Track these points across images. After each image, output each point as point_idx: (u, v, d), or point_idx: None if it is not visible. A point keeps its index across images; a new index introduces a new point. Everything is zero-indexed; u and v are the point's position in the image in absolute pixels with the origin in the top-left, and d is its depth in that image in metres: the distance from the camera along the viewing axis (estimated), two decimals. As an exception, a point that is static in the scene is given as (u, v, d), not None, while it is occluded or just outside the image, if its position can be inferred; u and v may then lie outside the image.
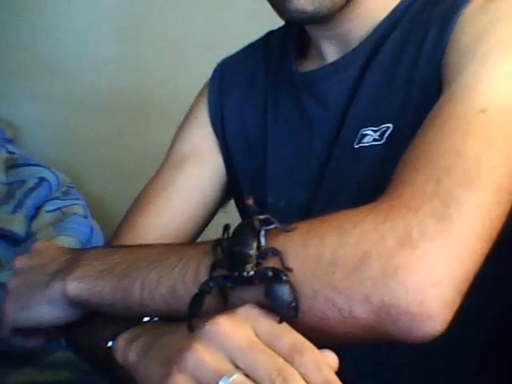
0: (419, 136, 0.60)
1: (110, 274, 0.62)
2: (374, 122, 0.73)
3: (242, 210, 0.90)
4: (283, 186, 0.80)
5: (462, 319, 0.52)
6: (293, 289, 0.51)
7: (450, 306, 0.51)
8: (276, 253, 0.53)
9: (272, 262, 0.53)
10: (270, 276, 0.52)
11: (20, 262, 0.72)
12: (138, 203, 0.86)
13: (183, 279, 0.57)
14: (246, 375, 0.49)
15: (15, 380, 1.17)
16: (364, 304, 0.51)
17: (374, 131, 0.73)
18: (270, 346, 0.50)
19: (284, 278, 0.51)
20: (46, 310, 0.66)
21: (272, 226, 0.55)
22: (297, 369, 0.49)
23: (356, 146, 0.73)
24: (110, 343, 0.60)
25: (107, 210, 1.77)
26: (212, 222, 0.90)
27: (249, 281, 0.53)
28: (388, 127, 0.72)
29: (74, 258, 0.67)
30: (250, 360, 0.49)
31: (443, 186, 0.53)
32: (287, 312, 0.51)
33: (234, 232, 0.57)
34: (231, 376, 0.49)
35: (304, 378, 0.48)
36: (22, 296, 0.68)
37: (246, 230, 0.56)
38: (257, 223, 0.55)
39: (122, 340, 0.59)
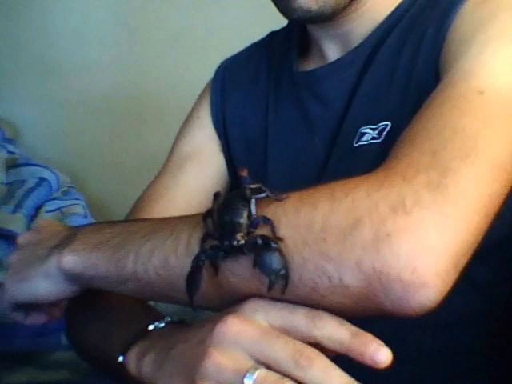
0: (417, 115, 0.60)
1: (105, 246, 0.61)
2: (373, 121, 0.73)
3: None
4: (283, 185, 0.80)
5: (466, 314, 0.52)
6: (283, 257, 0.50)
7: (443, 276, 0.49)
8: (267, 221, 0.52)
9: (264, 231, 0.52)
10: (260, 244, 0.51)
11: (23, 237, 0.73)
12: (141, 202, 0.86)
13: (175, 251, 0.56)
14: (268, 368, 0.49)
15: (15, 380, 1.17)
16: (354, 271, 0.49)
17: (373, 129, 0.73)
18: (287, 326, 0.51)
19: (273, 245, 0.50)
20: (42, 284, 0.66)
21: (263, 195, 0.54)
22: (321, 330, 0.49)
23: (355, 145, 0.73)
24: (120, 358, 0.59)
25: (107, 211, 1.77)
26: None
27: (239, 250, 0.52)
28: (386, 125, 0.72)
29: (72, 233, 0.67)
30: (268, 349, 0.50)
31: (439, 158, 0.53)
32: (276, 280, 0.50)
33: (224, 201, 0.56)
34: (254, 372, 0.49)
35: (332, 337, 0.49)
36: (21, 270, 0.68)
37: (237, 198, 0.55)
38: (248, 192, 0.55)
39: (132, 355, 0.59)
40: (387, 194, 0.50)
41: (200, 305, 0.55)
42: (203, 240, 0.55)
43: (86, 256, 0.62)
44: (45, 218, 1.47)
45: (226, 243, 0.52)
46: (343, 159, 0.75)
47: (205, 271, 0.54)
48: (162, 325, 0.61)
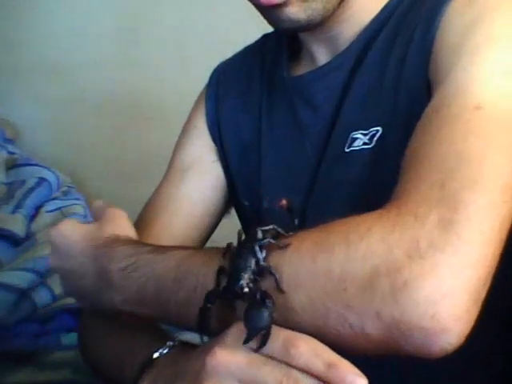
0: (417, 139, 0.59)
1: (145, 298, 0.63)
2: (364, 126, 0.72)
3: (241, 215, 0.90)
4: (277, 190, 0.80)
5: None
6: (271, 317, 0.51)
7: (464, 317, 0.49)
8: (272, 273, 0.53)
9: (270, 280, 0.53)
10: (257, 299, 0.52)
11: (55, 264, 0.74)
12: (145, 216, 0.86)
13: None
14: None
15: (15, 380, 1.17)
16: (374, 320, 0.50)
17: (364, 135, 0.72)
18: (266, 353, 0.51)
19: (268, 304, 0.51)
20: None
21: (265, 241, 0.55)
22: (297, 361, 0.49)
23: (347, 150, 0.73)
24: None
25: (107, 210, 1.77)
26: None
27: (241, 297, 0.53)
28: (377, 130, 0.71)
29: (103, 274, 0.67)
30: (257, 376, 0.50)
31: (448, 191, 0.52)
32: (254, 337, 0.51)
33: (238, 242, 0.57)
34: None
35: (307, 367, 0.49)
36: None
37: (249, 242, 0.55)
38: (259, 236, 0.55)
39: None
40: (401, 237, 0.51)
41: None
42: (217, 276, 0.56)
43: (134, 307, 0.64)
44: (45, 217, 1.47)
45: (232, 288, 0.53)
46: (335, 165, 0.75)
47: (223, 306, 0.56)
48: (166, 350, 0.62)
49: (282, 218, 0.77)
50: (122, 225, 0.72)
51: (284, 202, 0.59)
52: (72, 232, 0.72)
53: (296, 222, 0.59)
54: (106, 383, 0.75)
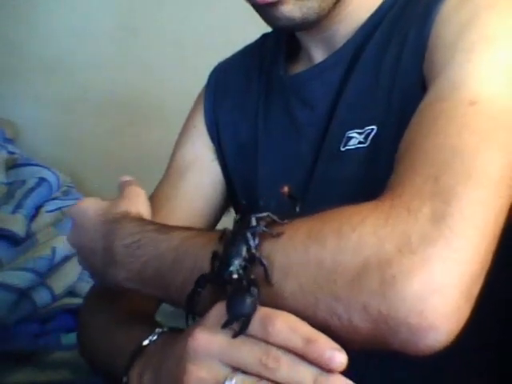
0: (412, 132, 0.59)
1: (147, 276, 0.64)
2: (359, 125, 0.72)
3: (239, 213, 0.91)
4: (273, 189, 0.80)
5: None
6: (254, 305, 0.51)
7: (454, 315, 0.49)
8: (262, 263, 0.53)
9: (260, 268, 0.53)
10: (244, 286, 0.52)
11: (71, 239, 0.75)
12: None
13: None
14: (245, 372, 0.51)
15: (15, 380, 1.17)
16: (362, 313, 0.50)
17: (359, 134, 0.72)
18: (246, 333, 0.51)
19: (252, 291, 0.51)
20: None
21: (258, 228, 0.55)
22: (275, 338, 0.50)
23: (342, 149, 0.73)
24: (124, 379, 0.63)
25: (107, 210, 1.77)
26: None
27: (229, 283, 0.53)
28: (372, 129, 0.71)
29: (109, 250, 0.67)
30: (237, 356, 0.51)
31: (442, 185, 0.52)
32: (233, 322, 0.51)
33: (233, 228, 0.57)
34: (232, 380, 0.50)
35: (286, 344, 0.49)
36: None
37: (242, 229, 0.56)
38: (253, 223, 0.55)
39: (133, 376, 0.62)
40: (393, 231, 0.50)
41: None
42: (212, 261, 0.56)
43: (135, 285, 0.66)
44: (45, 217, 1.47)
45: (222, 274, 0.54)
46: (330, 163, 0.75)
47: (215, 290, 0.56)
48: (155, 338, 0.63)
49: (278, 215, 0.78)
50: (136, 202, 0.72)
51: (286, 188, 0.59)
52: (88, 208, 0.73)
53: (298, 209, 0.59)
54: (105, 383, 0.76)
